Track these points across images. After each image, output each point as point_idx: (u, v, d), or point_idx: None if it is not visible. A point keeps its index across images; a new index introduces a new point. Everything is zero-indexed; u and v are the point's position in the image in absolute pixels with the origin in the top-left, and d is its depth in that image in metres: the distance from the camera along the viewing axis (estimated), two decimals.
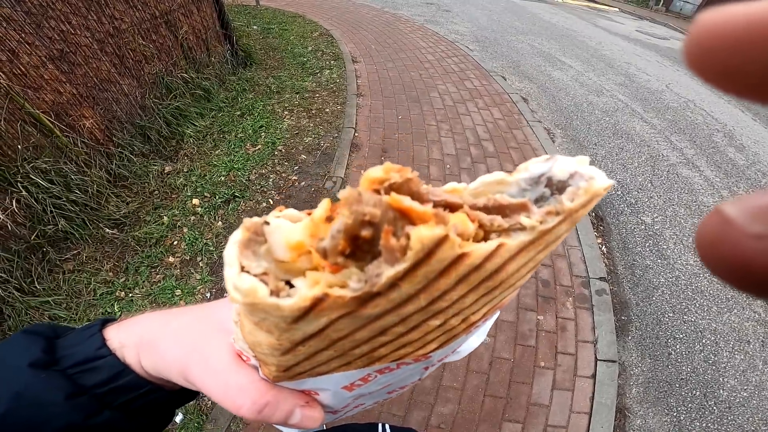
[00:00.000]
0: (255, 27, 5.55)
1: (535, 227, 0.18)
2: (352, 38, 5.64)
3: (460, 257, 0.17)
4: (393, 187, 0.17)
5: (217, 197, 2.75)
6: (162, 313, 0.35)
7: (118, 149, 2.74)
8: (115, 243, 2.44)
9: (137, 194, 2.70)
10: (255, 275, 0.18)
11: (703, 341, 2.40)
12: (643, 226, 3.18)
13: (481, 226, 0.18)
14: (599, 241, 2.94)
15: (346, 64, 4.71)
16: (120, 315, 2.15)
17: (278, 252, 0.18)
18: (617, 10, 12.10)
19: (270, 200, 2.81)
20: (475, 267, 0.18)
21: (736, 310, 2.59)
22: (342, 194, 0.17)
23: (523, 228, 0.18)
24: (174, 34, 3.34)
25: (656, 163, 3.95)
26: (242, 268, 0.18)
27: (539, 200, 0.20)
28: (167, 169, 2.91)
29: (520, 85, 4.96)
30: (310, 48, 5.11)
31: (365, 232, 0.16)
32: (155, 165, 2.88)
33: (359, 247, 0.17)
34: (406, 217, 0.16)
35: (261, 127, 3.46)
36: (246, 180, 2.92)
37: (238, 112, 3.58)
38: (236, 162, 3.04)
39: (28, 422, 0.30)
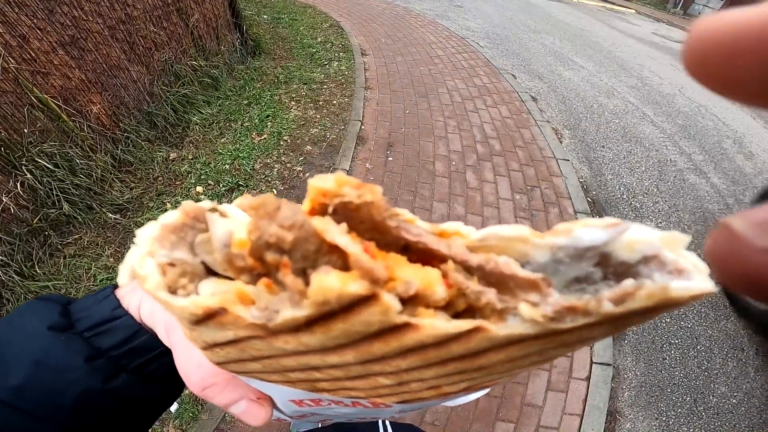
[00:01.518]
0: (265, 16, 5.53)
1: (539, 323, 0.13)
2: (362, 30, 5.61)
3: (404, 327, 0.13)
4: (348, 208, 0.14)
5: (220, 185, 2.77)
6: None
7: (124, 134, 2.76)
8: (117, 228, 2.47)
9: (141, 180, 2.72)
10: (159, 263, 0.15)
11: (698, 347, 2.40)
12: None
13: (462, 294, 0.13)
14: None
15: (355, 57, 4.69)
16: None
17: (218, 246, 0.15)
18: (634, 12, 11.90)
19: (274, 190, 2.82)
20: (432, 345, 0.14)
21: (732, 318, 2.58)
22: (253, 202, 0.14)
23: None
24: (185, 21, 3.34)
25: (664, 168, 3.91)
26: (151, 253, 0.15)
27: (579, 281, 0.14)
28: (172, 155, 2.93)
29: (530, 84, 4.92)
30: (319, 39, 5.09)
31: (270, 257, 0.13)
32: (160, 151, 2.90)
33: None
34: (337, 253, 0.13)
35: (267, 116, 3.46)
36: (251, 169, 2.93)
37: (245, 101, 3.58)
38: (241, 151, 3.05)
39: (48, 390, 0.29)
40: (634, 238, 0.13)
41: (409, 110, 3.90)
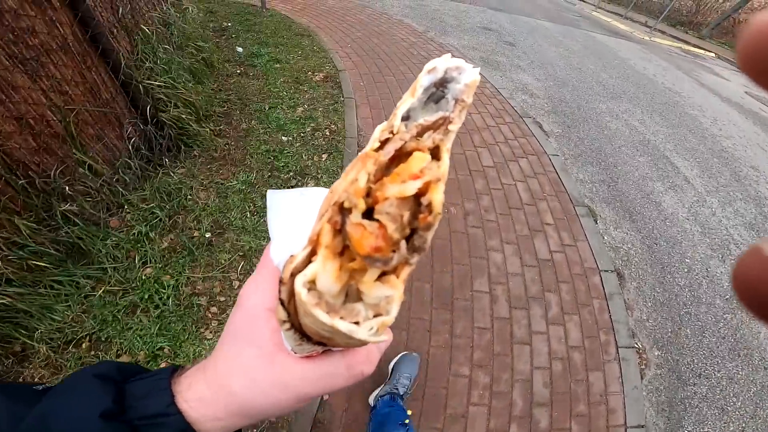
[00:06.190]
0: (239, 49, 3.65)
1: (458, 126, 0.23)
2: (373, 90, 3.74)
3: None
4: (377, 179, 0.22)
5: None
6: (218, 371, 0.32)
7: None
8: None
9: None
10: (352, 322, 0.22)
11: None
12: None
13: (429, 149, 0.23)
14: None
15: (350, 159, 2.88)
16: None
17: (332, 289, 0.22)
18: (714, 55, 9.91)
19: None
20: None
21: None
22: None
23: (449, 131, 0.23)
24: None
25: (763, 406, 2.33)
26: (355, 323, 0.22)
27: (431, 96, 0.24)
28: None
29: (615, 233, 3.09)
30: (300, 109, 3.25)
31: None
32: None
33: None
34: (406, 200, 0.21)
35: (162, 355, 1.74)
36: None
37: (124, 305, 1.83)
38: None
39: None
40: (440, 64, 0.24)
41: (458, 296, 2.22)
